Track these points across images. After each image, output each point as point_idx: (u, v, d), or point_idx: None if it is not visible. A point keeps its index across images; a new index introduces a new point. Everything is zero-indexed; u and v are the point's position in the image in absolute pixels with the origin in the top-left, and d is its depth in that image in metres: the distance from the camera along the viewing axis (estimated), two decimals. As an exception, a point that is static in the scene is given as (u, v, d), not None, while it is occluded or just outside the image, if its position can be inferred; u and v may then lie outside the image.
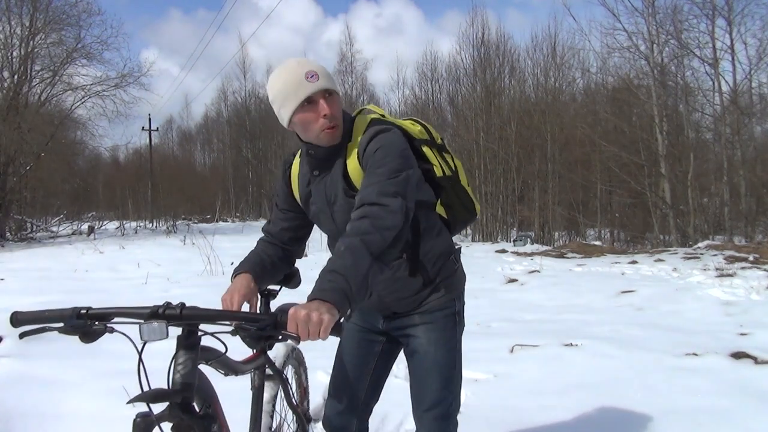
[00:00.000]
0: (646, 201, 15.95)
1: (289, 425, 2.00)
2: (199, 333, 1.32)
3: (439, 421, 1.70)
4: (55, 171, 18.36)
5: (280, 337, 1.24)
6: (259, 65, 67.13)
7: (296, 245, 1.84)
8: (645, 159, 15.75)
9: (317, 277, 1.27)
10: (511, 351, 4.17)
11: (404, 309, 1.73)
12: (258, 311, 1.76)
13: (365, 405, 1.86)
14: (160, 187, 30.07)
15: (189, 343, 1.31)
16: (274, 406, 1.80)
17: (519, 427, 2.82)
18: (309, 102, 1.50)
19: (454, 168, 1.77)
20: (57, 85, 18.83)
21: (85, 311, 1.31)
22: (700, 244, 11.85)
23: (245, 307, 1.55)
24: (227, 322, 1.29)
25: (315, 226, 1.85)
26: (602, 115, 18.02)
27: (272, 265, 1.75)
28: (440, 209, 1.77)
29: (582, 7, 51.23)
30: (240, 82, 37.62)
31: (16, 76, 17.78)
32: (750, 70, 14.68)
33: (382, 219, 1.36)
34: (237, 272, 1.67)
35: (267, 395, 1.77)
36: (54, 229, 20.35)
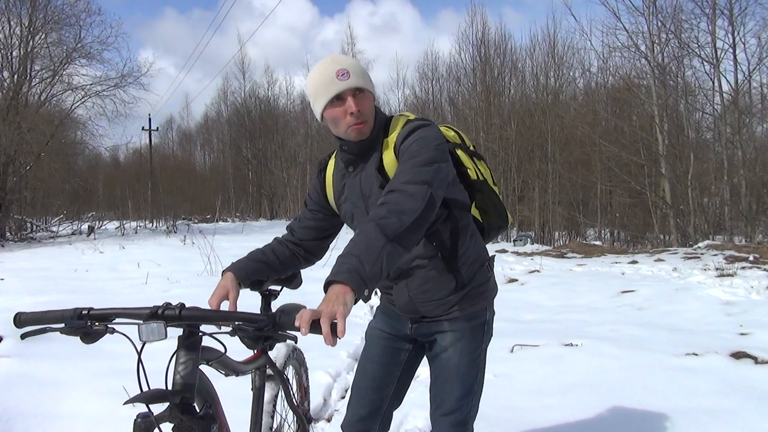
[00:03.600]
0: (646, 201, 15.94)
1: (289, 425, 2.00)
2: (200, 334, 1.32)
3: (456, 427, 1.71)
4: (55, 171, 18.29)
5: (276, 337, 1.24)
6: (258, 65, 67.18)
7: (316, 247, 1.85)
8: (645, 159, 15.74)
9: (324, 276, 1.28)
10: (511, 351, 4.17)
11: (433, 313, 1.71)
12: (260, 312, 1.77)
13: (388, 412, 1.86)
14: (160, 187, 30.07)
15: (190, 344, 1.31)
16: (274, 406, 1.80)
17: (519, 427, 2.82)
18: (338, 99, 1.55)
19: (483, 176, 1.79)
20: (57, 85, 18.81)
21: (86, 312, 1.32)
22: (700, 244, 11.85)
23: (224, 305, 1.54)
24: (226, 323, 1.29)
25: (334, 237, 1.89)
26: (602, 115, 18.00)
27: (268, 264, 1.75)
28: (475, 212, 1.77)
29: (582, 6, 51.19)
30: (239, 82, 37.59)
31: (15, 76, 17.75)
32: (750, 69, 14.69)
33: (400, 204, 1.36)
34: (222, 272, 1.69)
35: (267, 395, 1.77)
36: (54, 229, 20.35)
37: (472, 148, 1.80)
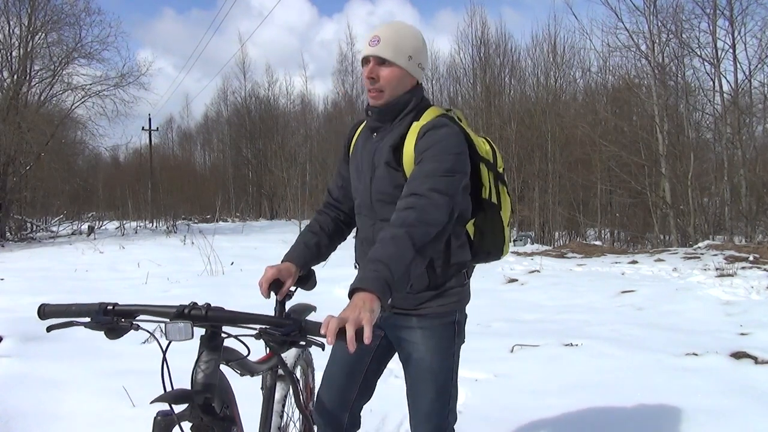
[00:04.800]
0: (646, 201, 15.92)
1: (295, 424, 2.01)
2: (223, 335, 1.32)
3: None
4: (55, 171, 18.30)
5: (303, 342, 1.23)
6: (258, 65, 67.17)
7: (352, 208, 1.87)
8: (645, 158, 15.73)
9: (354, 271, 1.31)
10: (511, 351, 4.17)
11: (403, 305, 1.69)
12: (275, 312, 1.77)
13: (357, 402, 1.85)
14: (160, 187, 30.04)
15: (213, 345, 1.31)
16: (284, 406, 1.80)
17: (519, 427, 2.82)
18: (366, 61, 1.63)
19: (498, 202, 1.77)
20: (56, 84, 18.83)
21: (111, 307, 1.32)
22: (700, 244, 11.85)
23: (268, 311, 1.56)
24: (252, 325, 1.28)
25: None
26: (603, 115, 17.99)
27: (320, 246, 1.81)
28: (470, 228, 1.73)
29: (583, 5, 51.09)
30: (240, 82, 37.55)
31: (15, 76, 17.76)
32: (751, 69, 14.69)
33: (429, 213, 1.39)
34: (283, 260, 1.75)
35: (277, 395, 1.78)
36: (54, 229, 20.36)
37: (501, 170, 1.79)
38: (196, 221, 28.37)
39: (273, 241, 14.74)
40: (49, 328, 1.34)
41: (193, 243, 12.68)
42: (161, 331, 1.26)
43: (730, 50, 14.68)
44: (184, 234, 16.56)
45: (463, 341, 1.77)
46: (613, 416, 2.95)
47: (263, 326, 1.25)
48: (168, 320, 1.25)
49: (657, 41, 15.63)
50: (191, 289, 6.90)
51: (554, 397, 3.20)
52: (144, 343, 3.89)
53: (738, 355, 3.90)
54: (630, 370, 3.64)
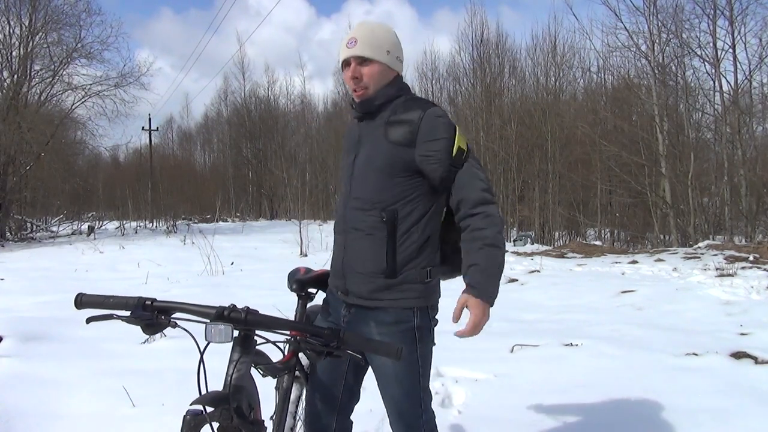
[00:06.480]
0: (646, 201, 15.92)
1: (302, 425, 2.01)
2: (257, 339, 1.33)
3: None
4: (55, 171, 18.28)
5: (341, 355, 1.24)
6: (257, 65, 67.06)
7: None
8: (645, 158, 15.73)
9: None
10: (511, 351, 4.17)
11: (359, 290, 1.66)
12: (295, 315, 1.76)
13: (344, 405, 1.83)
14: (160, 187, 30.03)
15: (246, 348, 1.31)
16: (297, 406, 1.80)
17: (519, 427, 2.82)
18: (347, 64, 1.71)
19: None
20: (57, 84, 18.81)
21: (149, 303, 1.32)
22: (700, 244, 11.85)
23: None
24: (288, 331, 1.29)
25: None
26: (602, 115, 18.00)
27: None
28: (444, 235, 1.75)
29: (583, 5, 50.88)
30: (239, 82, 37.55)
31: (15, 76, 17.75)
32: (751, 69, 14.69)
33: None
34: None
35: (292, 396, 1.77)
36: (54, 229, 20.35)
37: None
38: (196, 221, 28.33)
39: (273, 241, 14.74)
40: (89, 320, 1.35)
41: (193, 243, 12.68)
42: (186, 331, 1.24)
43: (730, 50, 14.69)
44: (184, 234, 16.55)
45: (434, 343, 1.74)
46: (613, 416, 2.95)
47: (303, 335, 1.26)
48: (208, 321, 1.25)
49: (657, 41, 15.64)
50: (191, 289, 6.90)
51: (554, 397, 3.20)
52: (144, 343, 3.88)
53: (738, 355, 3.90)
54: (630, 370, 3.64)
